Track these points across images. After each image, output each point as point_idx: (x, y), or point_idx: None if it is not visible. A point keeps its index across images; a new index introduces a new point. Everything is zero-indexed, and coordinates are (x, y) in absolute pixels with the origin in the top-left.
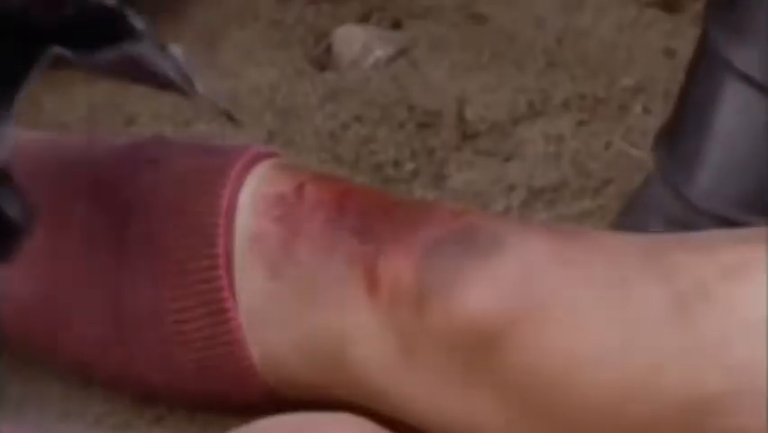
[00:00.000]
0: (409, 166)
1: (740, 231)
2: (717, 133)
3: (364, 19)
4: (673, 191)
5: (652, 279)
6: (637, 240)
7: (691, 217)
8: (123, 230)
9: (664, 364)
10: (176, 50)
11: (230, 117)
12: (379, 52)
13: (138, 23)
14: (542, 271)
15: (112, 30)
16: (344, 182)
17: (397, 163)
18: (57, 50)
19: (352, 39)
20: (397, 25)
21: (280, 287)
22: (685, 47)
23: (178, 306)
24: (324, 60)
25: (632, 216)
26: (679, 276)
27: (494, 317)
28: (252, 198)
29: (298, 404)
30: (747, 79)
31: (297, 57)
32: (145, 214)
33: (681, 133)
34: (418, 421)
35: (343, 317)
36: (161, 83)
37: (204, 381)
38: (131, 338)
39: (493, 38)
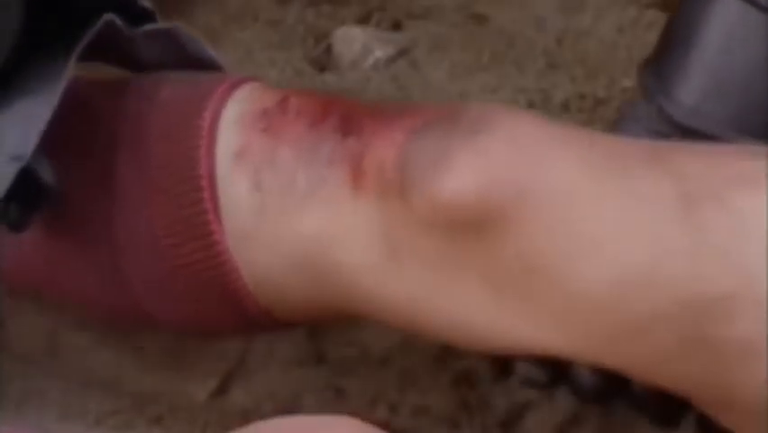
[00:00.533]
0: None
1: (749, 146)
2: (703, 50)
3: (364, 20)
4: (657, 110)
5: (657, 174)
6: (638, 141)
7: (677, 134)
8: (113, 160)
9: (667, 262)
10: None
11: None
12: (379, 53)
13: (148, 5)
14: (535, 151)
15: (128, 12)
16: (329, 94)
17: None
18: (108, 17)
19: (351, 40)
20: (396, 26)
21: (264, 198)
22: None
23: (169, 231)
24: (323, 61)
25: (617, 131)
26: (688, 178)
27: (482, 198)
28: (235, 116)
29: (292, 326)
30: None
31: (296, 57)
32: (132, 143)
33: (666, 52)
34: (406, 322)
35: (327, 221)
36: (195, 61)
37: (198, 305)
38: (127, 266)
39: (493, 38)
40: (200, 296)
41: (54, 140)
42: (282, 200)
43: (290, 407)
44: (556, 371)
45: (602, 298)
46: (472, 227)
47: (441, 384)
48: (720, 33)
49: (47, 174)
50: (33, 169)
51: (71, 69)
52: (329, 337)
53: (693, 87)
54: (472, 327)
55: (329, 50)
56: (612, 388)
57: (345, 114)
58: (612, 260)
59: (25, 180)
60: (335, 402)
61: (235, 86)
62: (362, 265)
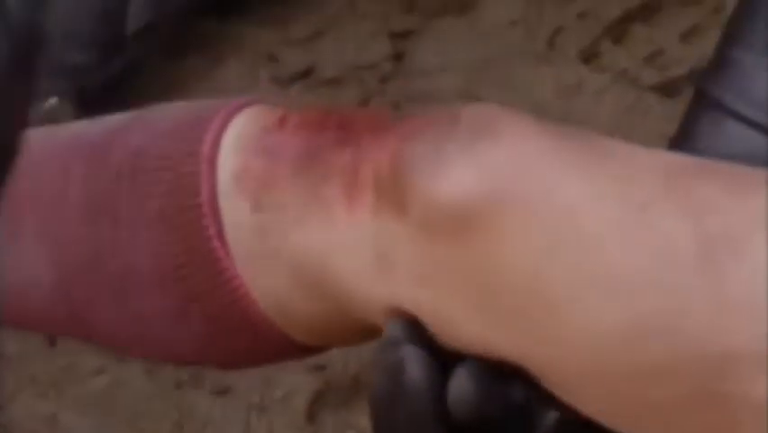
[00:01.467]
0: None
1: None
2: None
3: (363, 102)
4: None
5: (676, 210)
6: (654, 155)
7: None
8: (116, 197)
9: (685, 313)
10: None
11: None
12: None
13: None
14: (539, 165)
15: None
16: (329, 107)
17: None
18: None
19: None
20: (396, 108)
21: (264, 218)
22: None
23: (176, 262)
24: None
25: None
26: (708, 217)
27: (478, 205)
28: (235, 139)
29: (311, 350)
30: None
31: None
32: (133, 174)
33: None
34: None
35: (324, 236)
36: None
37: (215, 336)
38: (139, 302)
39: None
40: (216, 327)
41: (62, 172)
42: (281, 218)
43: None
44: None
45: (607, 339)
46: (466, 236)
47: None
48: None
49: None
50: None
51: None
52: (328, 420)
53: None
54: (460, 339)
55: None
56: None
57: (343, 125)
58: (626, 304)
59: None
60: None
61: (238, 109)
62: (356, 277)
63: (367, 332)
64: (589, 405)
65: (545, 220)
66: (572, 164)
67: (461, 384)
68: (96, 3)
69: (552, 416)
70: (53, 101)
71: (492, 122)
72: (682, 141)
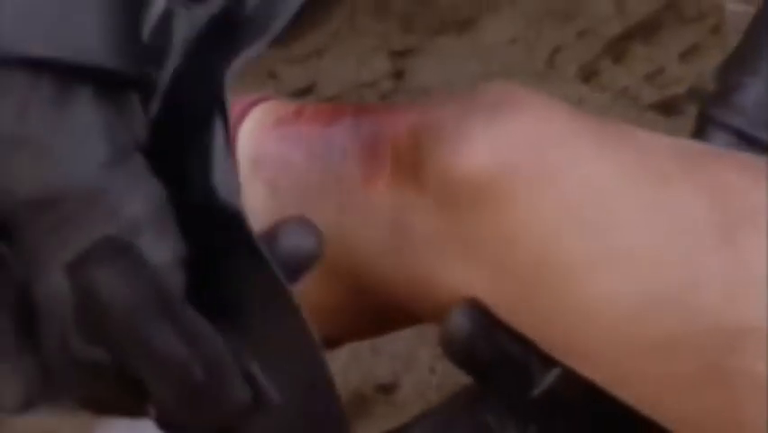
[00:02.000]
0: None
1: None
2: None
3: None
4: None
5: (696, 187)
6: (672, 139)
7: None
8: None
9: (701, 288)
10: None
11: None
12: None
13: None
14: (560, 139)
15: None
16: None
17: None
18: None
19: None
20: None
21: (280, 202)
22: None
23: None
24: None
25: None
26: (727, 195)
27: (496, 177)
28: (252, 129)
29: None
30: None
31: None
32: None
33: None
34: (422, 308)
35: (341, 213)
36: None
37: None
38: None
39: None
40: None
41: None
42: (298, 201)
43: None
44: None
45: (622, 310)
46: (485, 206)
47: None
48: None
49: None
50: None
51: None
52: None
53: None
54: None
55: None
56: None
57: (359, 110)
58: (643, 275)
59: None
60: None
61: (254, 104)
62: (374, 251)
63: (381, 320)
64: (600, 376)
65: (564, 191)
66: (592, 140)
67: (456, 322)
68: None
69: (553, 374)
70: None
71: (513, 97)
72: None
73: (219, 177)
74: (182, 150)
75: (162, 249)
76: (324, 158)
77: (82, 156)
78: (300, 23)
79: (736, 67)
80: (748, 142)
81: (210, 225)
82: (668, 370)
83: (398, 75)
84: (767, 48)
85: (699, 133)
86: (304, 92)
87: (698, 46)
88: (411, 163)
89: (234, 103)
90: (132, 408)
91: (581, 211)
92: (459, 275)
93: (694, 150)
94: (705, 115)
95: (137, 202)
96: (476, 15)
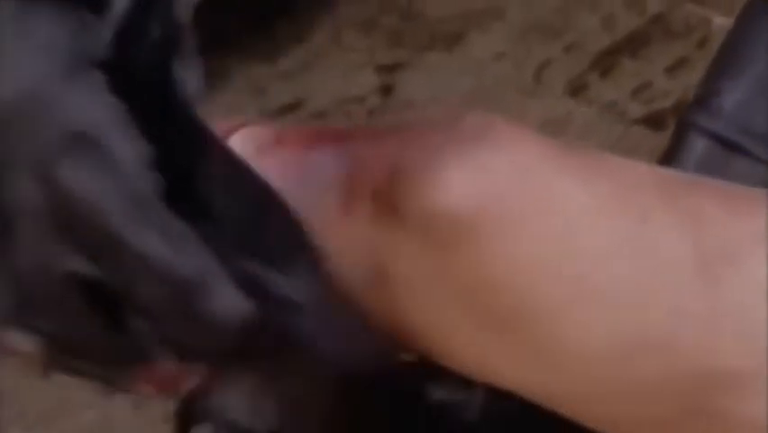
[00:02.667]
0: None
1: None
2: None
3: None
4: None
5: (675, 223)
6: (652, 168)
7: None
8: None
9: (683, 330)
10: None
11: None
12: None
13: None
14: (538, 175)
15: None
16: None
17: None
18: None
19: None
20: None
21: None
22: None
23: None
24: None
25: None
26: (705, 230)
27: (471, 209)
28: None
29: None
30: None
31: None
32: None
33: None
34: (406, 344)
35: (323, 244)
36: None
37: None
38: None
39: None
40: None
41: None
42: None
43: None
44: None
45: (603, 352)
46: (463, 245)
47: None
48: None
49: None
50: None
51: None
52: None
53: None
54: (461, 359)
55: None
56: None
57: (339, 138)
58: (624, 317)
59: None
60: None
61: (232, 130)
62: (354, 289)
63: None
64: (581, 418)
65: (541, 230)
66: (572, 176)
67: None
68: None
69: (477, 399)
70: None
71: (492, 130)
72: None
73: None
74: (143, 69)
75: (131, 150)
76: (305, 191)
77: (42, 65)
78: (283, 37)
79: (716, 73)
80: (729, 147)
81: (171, 130)
82: (651, 413)
83: (386, 90)
84: (747, 54)
85: (679, 139)
86: (291, 107)
87: (685, 60)
88: (390, 199)
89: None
90: (109, 349)
91: (559, 251)
92: (439, 319)
93: (672, 180)
94: (685, 121)
95: (99, 109)
96: (464, 30)
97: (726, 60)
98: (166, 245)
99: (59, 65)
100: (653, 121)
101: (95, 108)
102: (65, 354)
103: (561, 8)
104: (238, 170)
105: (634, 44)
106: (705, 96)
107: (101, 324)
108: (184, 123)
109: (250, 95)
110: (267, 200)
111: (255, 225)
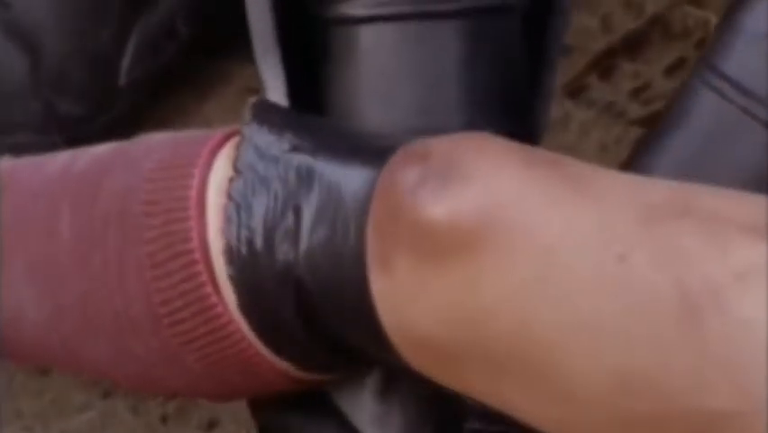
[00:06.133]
0: None
1: (758, 211)
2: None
3: None
4: None
5: (656, 260)
6: (635, 191)
7: None
8: (104, 240)
9: (670, 372)
10: None
11: None
12: None
13: None
14: (516, 201)
15: None
16: None
17: None
18: None
19: None
20: None
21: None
22: None
23: (169, 309)
24: None
25: None
26: (688, 268)
27: (448, 239)
28: (222, 179)
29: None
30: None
31: None
32: (122, 217)
33: None
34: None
35: None
36: None
37: (216, 378)
38: (138, 348)
39: None
40: (211, 366)
41: (51, 212)
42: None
43: None
44: None
45: (594, 389)
46: (447, 276)
47: None
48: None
49: None
50: None
51: None
52: None
53: None
54: (463, 381)
55: None
56: None
57: None
58: (612, 354)
59: None
60: None
61: (221, 144)
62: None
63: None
64: None
65: (526, 260)
66: (550, 200)
67: None
68: (90, 55)
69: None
70: None
71: (464, 158)
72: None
73: None
74: None
75: None
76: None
77: None
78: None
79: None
80: (742, 92)
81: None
82: None
83: None
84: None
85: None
86: None
87: (683, 61)
88: (382, 221)
89: (202, 144)
90: None
91: (546, 281)
92: (444, 344)
93: (654, 208)
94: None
95: None
96: None
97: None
98: None
99: None
100: (653, 122)
101: None
102: None
103: None
104: None
105: (632, 45)
106: (711, 59)
107: None
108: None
109: (247, 96)
110: None
111: None
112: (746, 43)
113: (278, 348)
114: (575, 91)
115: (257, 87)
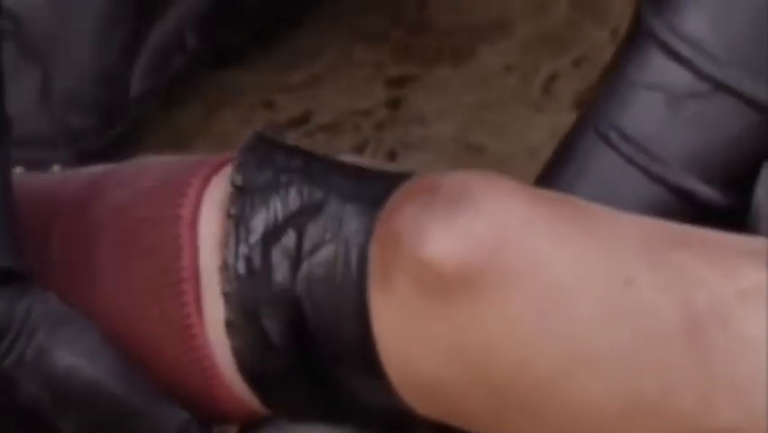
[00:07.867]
0: None
1: (757, 243)
2: None
3: (359, 149)
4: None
5: (661, 284)
6: (638, 222)
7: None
8: (94, 254)
9: (677, 387)
10: None
11: None
12: None
13: None
14: (522, 237)
15: None
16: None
17: None
18: None
19: None
20: (392, 156)
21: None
22: None
23: (148, 324)
24: None
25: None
26: (693, 292)
27: (455, 274)
28: (215, 202)
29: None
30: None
31: None
32: (114, 231)
33: None
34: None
35: None
36: None
37: (177, 393)
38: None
39: (489, 168)
40: (177, 386)
41: (42, 228)
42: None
43: None
44: None
45: (599, 416)
46: (450, 309)
47: None
48: None
49: None
50: None
51: None
52: None
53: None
54: (467, 418)
55: None
56: None
57: None
58: (614, 382)
59: None
60: None
61: (217, 169)
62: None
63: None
64: None
65: (531, 296)
66: (557, 237)
67: None
68: (100, 68)
69: None
70: (56, 169)
71: (472, 192)
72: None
73: None
74: None
75: None
76: None
77: None
78: (293, 51)
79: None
80: (627, 140)
81: None
82: None
83: (394, 104)
84: None
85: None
86: (299, 121)
87: None
88: (386, 247)
89: (198, 167)
90: None
91: (550, 317)
92: (442, 383)
93: (658, 235)
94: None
95: None
96: (471, 44)
97: None
98: None
99: None
100: None
101: None
102: None
103: (569, 22)
104: None
105: None
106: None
107: None
108: None
109: (259, 108)
110: None
111: None
112: (630, 92)
113: (252, 376)
114: (585, 103)
115: (270, 100)
